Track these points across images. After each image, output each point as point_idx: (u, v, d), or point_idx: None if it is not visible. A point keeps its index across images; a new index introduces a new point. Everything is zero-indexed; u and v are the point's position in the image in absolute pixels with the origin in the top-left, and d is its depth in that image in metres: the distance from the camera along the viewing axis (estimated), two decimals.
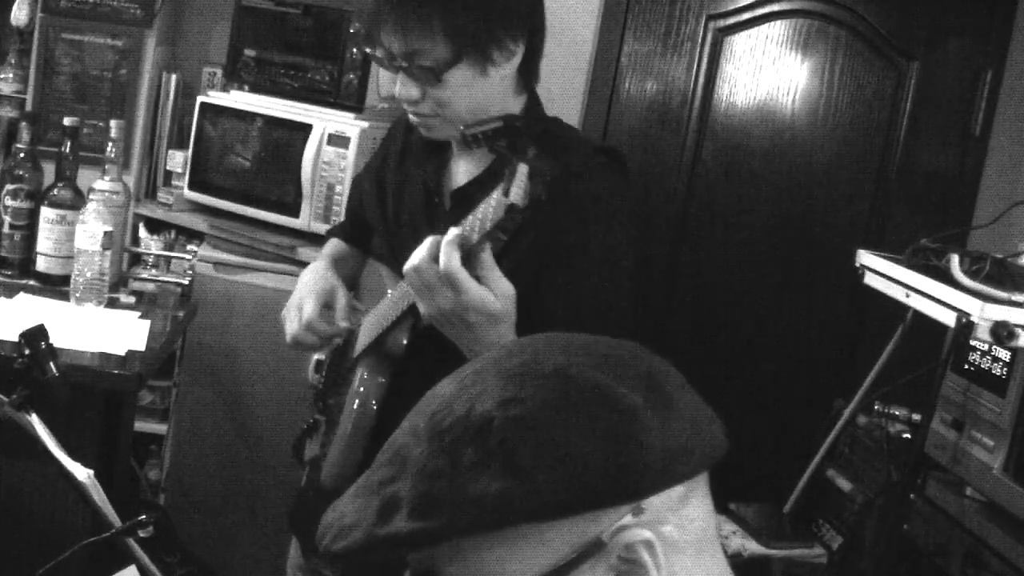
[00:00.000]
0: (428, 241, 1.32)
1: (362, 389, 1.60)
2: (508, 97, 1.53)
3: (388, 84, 2.93)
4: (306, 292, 1.70)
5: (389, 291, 1.61)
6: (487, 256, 1.29)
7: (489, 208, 1.25)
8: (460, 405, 0.74)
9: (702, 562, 0.75)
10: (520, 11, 1.49)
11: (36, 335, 1.69)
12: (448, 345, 1.40)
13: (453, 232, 1.29)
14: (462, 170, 1.61)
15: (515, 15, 1.47)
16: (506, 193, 1.22)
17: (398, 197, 1.68)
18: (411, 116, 1.54)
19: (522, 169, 1.22)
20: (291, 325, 1.68)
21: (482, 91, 1.48)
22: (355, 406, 1.61)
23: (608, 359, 0.76)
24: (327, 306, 1.68)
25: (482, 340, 1.33)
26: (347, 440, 1.59)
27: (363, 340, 1.66)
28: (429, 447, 0.73)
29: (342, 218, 2.19)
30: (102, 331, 2.29)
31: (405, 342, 1.56)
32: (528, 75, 1.56)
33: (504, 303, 1.31)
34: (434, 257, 1.30)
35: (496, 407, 0.72)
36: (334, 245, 1.89)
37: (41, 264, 2.56)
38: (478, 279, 1.30)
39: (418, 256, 1.32)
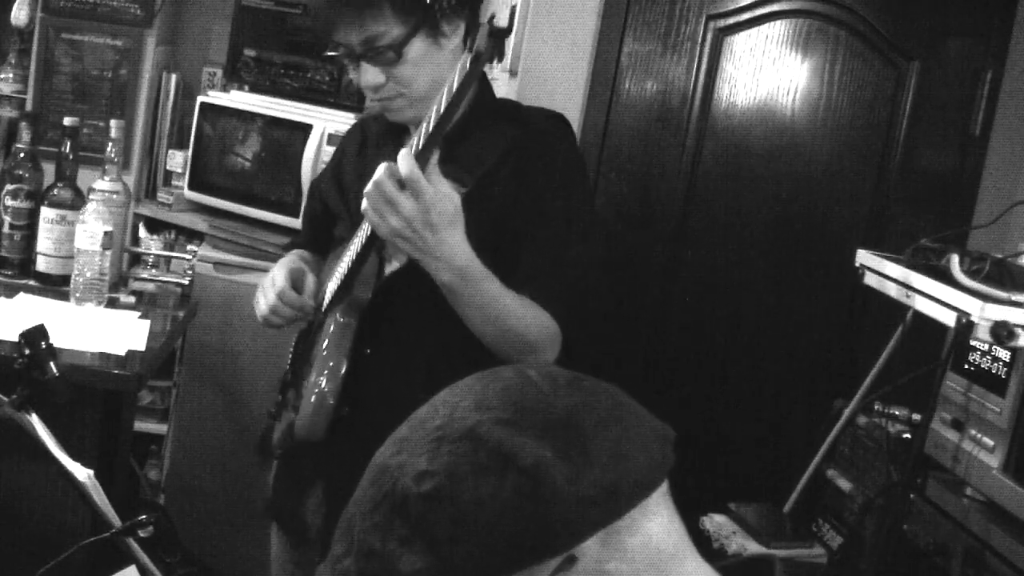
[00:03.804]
0: (382, 165, 1.41)
1: (333, 333, 1.64)
2: None
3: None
4: (276, 272, 1.78)
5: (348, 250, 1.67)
6: (435, 161, 1.40)
7: (453, 77, 1.36)
8: (388, 479, 0.75)
9: None
10: None
11: (36, 335, 1.69)
12: (416, 294, 1.52)
13: (405, 150, 1.41)
14: None
15: None
16: (470, 50, 1.34)
17: (360, 185, 1.74)
18: (376, 105, 1.65)
19: (483, 29, 1.33)
20: (265, 296, 1.75)
21: (438, 64, 1.58)
22: (324, 349, 1.64)
23: (519, 407, 0.76)
24: (295, 287, 1.74)
25: (445, 244, 1.43)
26: (320, 388, 1.61)
27: (328, 290, 1.71)
28: (365, 523, 0.75)
29: None
30: (102, 331, 2.29)
31: (370, 295, 1.62)
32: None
33: (457, 203, 1.42)
34: (390, 174, 1.40)
35: (413, 482, 0.73)
36: (293, 252, 1.95)
37: (41, 264, 2.56)
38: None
39: (377, 174, 1.41)
